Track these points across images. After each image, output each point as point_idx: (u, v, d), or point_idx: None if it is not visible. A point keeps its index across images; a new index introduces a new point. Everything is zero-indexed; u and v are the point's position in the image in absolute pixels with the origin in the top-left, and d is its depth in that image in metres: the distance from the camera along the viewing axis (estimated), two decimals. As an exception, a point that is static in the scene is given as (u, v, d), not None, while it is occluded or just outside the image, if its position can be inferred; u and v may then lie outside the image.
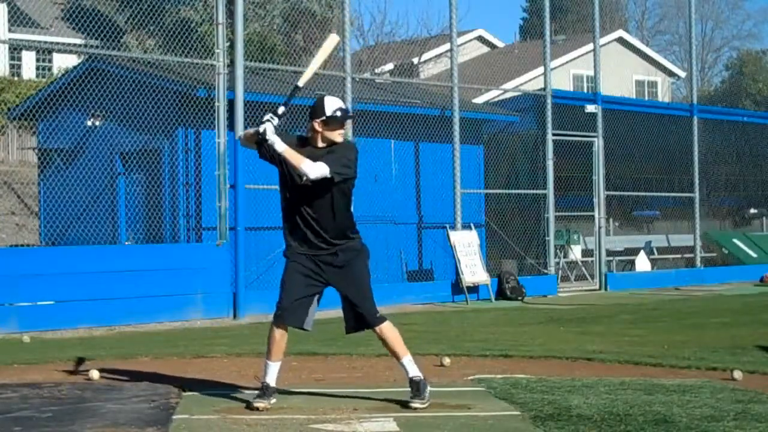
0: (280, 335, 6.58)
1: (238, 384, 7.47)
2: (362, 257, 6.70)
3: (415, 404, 6.51)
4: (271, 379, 6.59)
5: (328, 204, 6.54)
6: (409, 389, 6.59)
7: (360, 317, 6.64)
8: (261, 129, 6.45)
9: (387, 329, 6.63)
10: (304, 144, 6.62)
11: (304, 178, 6.44)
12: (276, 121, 6.49)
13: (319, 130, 6.57)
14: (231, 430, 5.93)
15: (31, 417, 6.32)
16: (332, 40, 6.96)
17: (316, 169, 6.40)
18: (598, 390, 7.04)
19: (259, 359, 8.74)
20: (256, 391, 6.65)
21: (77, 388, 7.43)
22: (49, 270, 13.34)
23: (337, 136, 6.59)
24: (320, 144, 6.58)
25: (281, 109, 6.57)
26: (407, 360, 6.65)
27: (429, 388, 6.60)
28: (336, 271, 6.60)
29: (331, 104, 6.56)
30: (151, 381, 7.70)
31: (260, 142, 6.51)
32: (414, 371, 6.62)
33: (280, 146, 6.45)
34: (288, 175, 6.57)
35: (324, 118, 6.53)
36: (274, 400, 6.53)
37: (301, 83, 6.74)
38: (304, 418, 6.18)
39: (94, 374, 7.88)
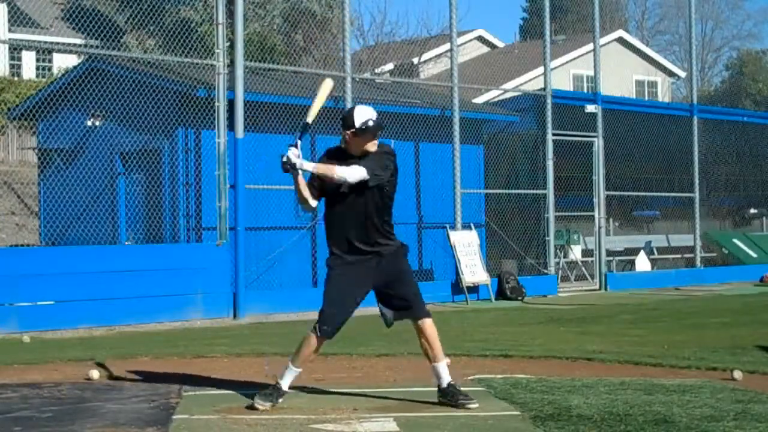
0: (316, 345, 6.59)
1: (239, 384, 7.47)
2: (403, 255, 6.78)
3: (472, 405, 6.49)
4: (286, 384, 6.58)
5: (369, 210, 6.57)
6: (447, 400, 6.55)
7: (408, 307, 6.66)
8: (284, 159, 6.42)
9: (431, 326, 6.68)
10: (341, 153, 6.65)
11: (344, 185, 6.46)
12: (296, 151, 6.45)
13: (350, 141, 6.59)
14: (231, 430, 5.93)
15: (31, 417, 6.32)
16: (326, 86, 6.93)
17: (353, 173, 6.43)
18: (598, 390, 7.04)
19: (260, 359, 8.75)
20: (265, 390, 6.60)
21: (77, 388, 7.43)
22: (49, 270, 13.34)
23: (370, 146, 6.61)
24: (355, 152, 6.60)
25: (298, 144, 6.51)
26: (442, 366, 6.66)
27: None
28: (379, 270, 6.61)
29: (361, 115, 6.56)
30: (151, 381, 7.71)
31: (291, 171, 6.48)
32: (448, 378, 6.64)
33: (308, 165, 6.48)
34: (329, 187, 6.57)
35: (354, 129, 6.55)
36: (277, 404, 6.51)
37: (309, 120, 6.66)
38: (304, 418, 6.18)
39: (94, 374, 7.88)
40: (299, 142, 6.56)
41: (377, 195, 6.59)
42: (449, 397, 6.58)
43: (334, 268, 6.63)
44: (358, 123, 6.53)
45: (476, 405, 6.50)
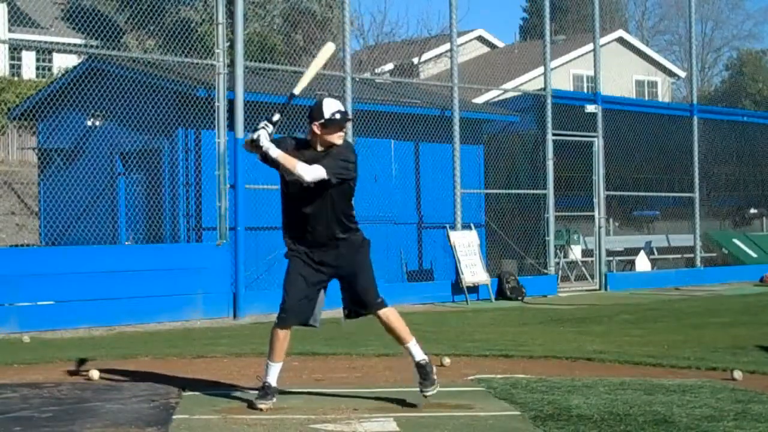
0: (283, 336, 6.58)
1: (239, 384, 7.47)
2: (364, 249, 6.70)
3: (428, 392, 6.53)
4: (273, 379, 6.59)
5: (329, 204, 6.54)
6: (419, 377, 6.59)
7: (360, 303, 6.64)
8: (255, 136, 6.46)
9: (390, 313, 6.63)
10: (305, 146, 6.62)
11: (306, 181, 6.43)
12: (270, 128, 6.50)
13: (318, 132, 6.56)
14: (231, 430, 5.93)
15: (31, 417, 6.31)
16: (328, 49, 6.95)
17: (311, 172, 6.40)
18: (598, 390, 7.04)
19: (260, 359, 8.74)
20: (257, 391, 6.65)
21: (77, 388, 7.42)
22: (49, 270, 13.34)
23: (336, 138, 6.57)
24: (320, 147, 6.57)
25: (276, 117, 6.56)
26: (413, 344, 6.66)
27: (435, 369, 6.64)
28: (338, 264, 6.59)
29: (330, 107, 6.54)
30: (151, 381, 7.70)
31: (255, 150, 6.51)
32: (420, 355, 6.63)
33: (273, 152, 6.45)
34: (288, 178, 6.57)
35: (322, 120, 6.52)
36: (275, 400, 6.54)
37: (297, 91, 6.73)
38: (304, 418, 6.18)
39: (94, 374, 7.88)
40: (278, 116, 6.54)
41: (333, 191, 6.53)
42: (418, 374, 6.62)
43: (289, 259, 6.62)
44: (327, 114, 6.50)
45: (433, 391, 6.53)
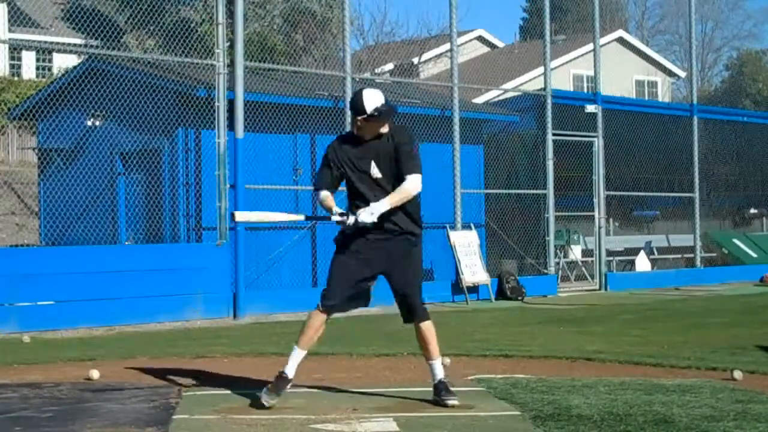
0: (320, 323, 6.59)
1: (238, 384, 7.47)
2: (419, 250, 6.70)
3: (452, 401, 6.51)
4: (291, 370, 6.53)
5: (391, 183, 6.54)
6: (440, 390, 6.58)
7: (410, 308, 6.64)
8: (361, 223, 6.42)
9: (429, 327, 6.69)
10: (354, 140, 6.60)
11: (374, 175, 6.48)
12: (350, 218, 6.46)
13: (362, 126, 6.52)
14: (231, 430, 5.92)
15: (31, 417, 6.31)
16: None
17: (416, 184, 6.46)
18: (598, 390, 7.04)
19: (260, 359, 8.75)
20: (269, 385, 6.57)
21: (77, 388, 7.42)
22: (49, 270, 13.34)
23: (381, 128, 6.54)
24: (368, 136, 6.55)
25: (365, 214, 6.45)
26: (437, 362, 6.68)
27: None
28: (393, 258, 6.57)
29: (370, 102, 6.44)
30: (151, 381, 7.70)
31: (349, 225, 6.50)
32: (441, 374, 6.66)
33: (384, 207, 6.41)
34: (354, 170, 6.55)
35: (365, 116, 6.48)
36: (284, 391, 6.50)
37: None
38: (304, 418, 6.17)
39: (94, 374, 7.88)
40: (340, 215, 6.51)
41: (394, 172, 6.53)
42: (435, 393, 6.62)
43: (341, 245, 6.61)
44: (369, 109, 6.43)
45: (455, 402, 6.50)
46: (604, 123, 20.49)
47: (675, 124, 23.42)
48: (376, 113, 6.44)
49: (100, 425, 6.01)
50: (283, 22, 25.37)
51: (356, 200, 6.59)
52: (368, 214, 6.40)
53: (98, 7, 19.81)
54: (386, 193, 6.49)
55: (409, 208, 6.59)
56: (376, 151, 6.52)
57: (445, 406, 6.49)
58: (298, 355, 6.57)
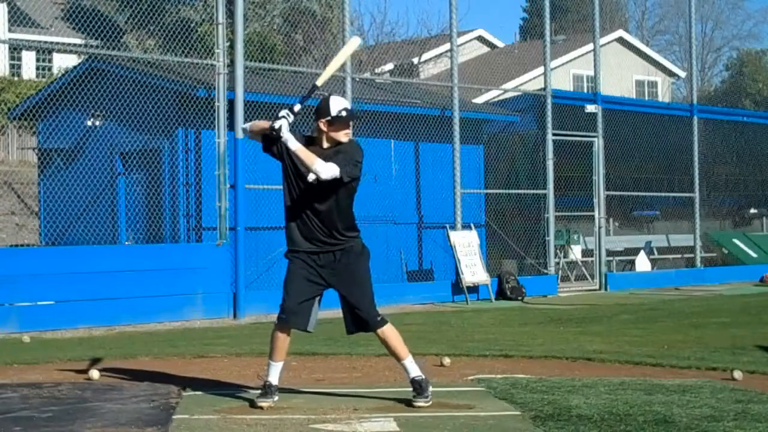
0: (283, 337, 6.59)
1: (239, 384, 7.47)
2: (363, 259, 6.68)
3: (419, 403, 6.51)
4: (274, 378, 6.59)
5: (334, 203, 6.52)
6: (412, 389, 6.59)
7: (360, 320, 6.62)
8: (276, 125, 6.36)
9: (388, 331, 6.63)
10: (311, 143, 6.60)
11: (312, 178, 6.39)
12: (291, 118, 6.43)
13: (325, 130, 6.54)
14: (231, 430, 5.92)
15: (31, 417, 6.31)
16: (353, 42, 6.94)
17: (328, 170, 6.36)
18: (598, 390, 7.04)
19: (260, 359, 8.74)
20: (258, 391, 6.66)
21: (77, 388, 7.42)
22: (49, 270, 13.34)
23: (342, 136, 6.55)
24: (326, 144, 6.55)
25: (297, 107, 6.50)
26: (408, 361, 6.66)
27: (431, 387, 6.61)
28: (337, 272, 6.59)
29: (336, 104, 6.52)
30: (151, 381, 7.70)
31: (271, 137, 6.45)
32: (415, 371, 6.62)
33: (293, 144, 6.40)
34: (293, 173, 6.54)
35: (329, 118, 6.50)
36: (276, 398, 6.54)
37: (319, 83, 6.67)
38: (304, 418, 6.17)
39: (94, 374, 7.87)
40: (299, 107, 6.50)
41: (341, 190, 6.51)
42: (414, 389, 6.60)
43: (290, 260, 6.61)
44: (333, 112, 6.48)
45: (425, 404, 6.47)
46: (604, 123, 20.49)
47: (675, 124, 23.42)
48: (338, 115, 6.47)
49: (100, 425, 6.01)
50: (283, 22, 25.37)
51: (291, 203, 6.59)
52: (286, 129, 6.32)
53: (98, 7, 19.82)
54: (330, 206, 6.48)
55: (345, 223, 6.56)
56: (324, 157, 6.44)
57: (411, 406, 6.49)
58: (276, 367, 6.62)
